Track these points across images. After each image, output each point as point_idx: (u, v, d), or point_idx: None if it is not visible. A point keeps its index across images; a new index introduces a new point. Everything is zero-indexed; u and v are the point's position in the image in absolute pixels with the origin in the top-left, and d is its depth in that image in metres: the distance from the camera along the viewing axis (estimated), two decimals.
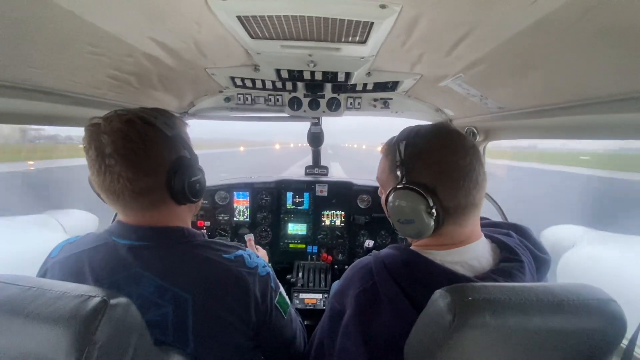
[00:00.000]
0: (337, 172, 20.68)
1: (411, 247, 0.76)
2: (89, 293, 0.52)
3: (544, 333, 0.53)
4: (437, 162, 0.69)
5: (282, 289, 0.88)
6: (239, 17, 0.75)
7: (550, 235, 2.36)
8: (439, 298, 0.54)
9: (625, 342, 0.65)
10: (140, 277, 0.68)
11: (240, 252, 0.78)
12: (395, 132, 0.81)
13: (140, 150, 0.68)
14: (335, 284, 0.89)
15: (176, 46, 0.93)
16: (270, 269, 0.83)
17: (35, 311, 0.50)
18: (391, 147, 0.78)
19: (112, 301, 0.52)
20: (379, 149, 0.85)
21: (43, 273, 0.75)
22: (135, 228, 0.73)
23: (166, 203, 0.74)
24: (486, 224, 0.86)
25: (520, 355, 0.55)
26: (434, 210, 0.66)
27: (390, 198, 0.72)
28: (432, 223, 0.67)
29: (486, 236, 0.77)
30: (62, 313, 0.49)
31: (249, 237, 1.30)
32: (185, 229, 0.77)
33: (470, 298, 0.51)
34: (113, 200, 0.71)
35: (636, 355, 0.87)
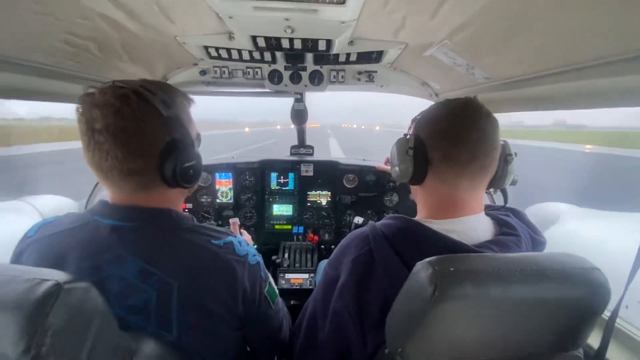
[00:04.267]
0: (334, 147, 20.56)
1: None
2: (42, 277, 0.48)
3: (527, 303, 0.52)
4: (429, 118, 0.76)
5: (271, 279, 0.86)
6: None
7: (535, 212, 2.41)
8: (421, 270, 0.52)
9: (607, 314, 0.65)
10: (123, 260, 0.64)
11: (230, 238, 0.74)
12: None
13: (131, 129, 0.63)
14: (324, 261, 0.87)
15: (137, 8, 0.84)
16: (260, 258, 0.80)
17: None
18: None
19: (68, 285, 0.47)
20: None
21: (18, 253, 0.69)
22: (120, 208, 0.68)
23: (157, 185, 0.70)
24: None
25: (503, 326, 0.54)
26: (410, 152, 0.73)
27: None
28: (410, 167, 0.73)
29: (486, 214, 0.77)
30: (9, 298, 0.45)
31: (234, 221, 1.25)
32: (173, 212, 0.72)
33: (451, 269, 0.50)
34: (102, 178, 0.67)
35: (617, 325, 0.89)
